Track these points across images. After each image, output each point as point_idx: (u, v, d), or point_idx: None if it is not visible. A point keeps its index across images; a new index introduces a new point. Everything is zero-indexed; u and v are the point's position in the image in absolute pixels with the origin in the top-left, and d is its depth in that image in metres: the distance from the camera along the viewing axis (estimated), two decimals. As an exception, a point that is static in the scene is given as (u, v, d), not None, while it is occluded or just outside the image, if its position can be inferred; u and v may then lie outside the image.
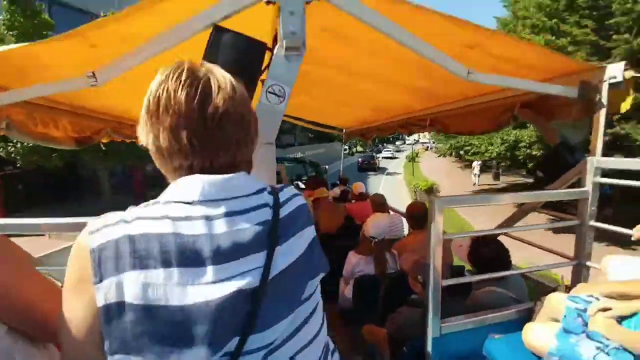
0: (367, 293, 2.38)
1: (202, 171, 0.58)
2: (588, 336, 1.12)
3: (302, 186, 7.20)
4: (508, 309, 1.61)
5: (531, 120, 1.92)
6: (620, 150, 9.54)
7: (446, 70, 1.41)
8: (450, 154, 25.50)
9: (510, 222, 2.06)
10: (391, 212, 3.55)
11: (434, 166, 29.85)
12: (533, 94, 1.84)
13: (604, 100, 1.52)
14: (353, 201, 4.64)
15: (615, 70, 1.51)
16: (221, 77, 0.60)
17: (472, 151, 17.92)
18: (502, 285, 1.74)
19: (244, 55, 1.17)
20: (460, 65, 1.43)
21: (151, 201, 0.57)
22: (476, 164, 19.39)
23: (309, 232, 0.65)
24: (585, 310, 1.15)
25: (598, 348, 1.06)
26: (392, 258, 2.45)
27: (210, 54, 1.15)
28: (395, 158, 46.15)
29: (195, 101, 0.56)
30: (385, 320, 1.99)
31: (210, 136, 0.58)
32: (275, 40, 1.40)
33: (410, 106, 3.44)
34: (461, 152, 20.80)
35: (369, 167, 29.64)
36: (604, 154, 1.61)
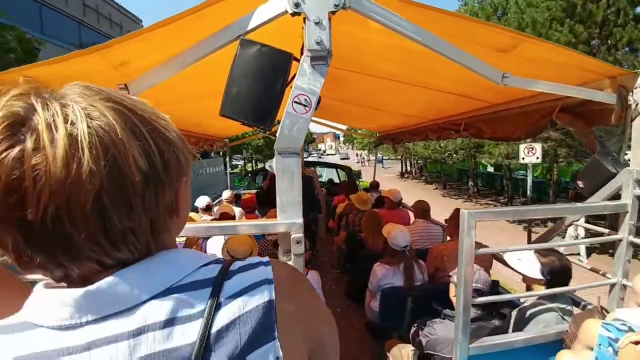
0: (394, 305, 2.31)
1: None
2: None
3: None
4: (542, 332, 1.49)
5: (570, 125, 1.78)
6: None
7: (479, 75, 1.35)
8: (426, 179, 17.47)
9: (545, 238, 1.93)
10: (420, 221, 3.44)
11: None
12: (572, 99, 1.71)
13: (640, 107, 1.38)
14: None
15: (649, 77, 1.38)
16: (62, 139, 0.32)
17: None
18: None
19: (269, 67, 1.19)
20: (493, 69, 1.35)
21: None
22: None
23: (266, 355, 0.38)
24: (617, 340, 1.08)
25: None
26: (420, 269, 2.36)
27: (237, 67, 1.19)
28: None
29: (3, 189, 0.32)
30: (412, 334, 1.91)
31: (40, 240, 0.34)
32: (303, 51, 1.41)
33: (443, 110, 3.33)
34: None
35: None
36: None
